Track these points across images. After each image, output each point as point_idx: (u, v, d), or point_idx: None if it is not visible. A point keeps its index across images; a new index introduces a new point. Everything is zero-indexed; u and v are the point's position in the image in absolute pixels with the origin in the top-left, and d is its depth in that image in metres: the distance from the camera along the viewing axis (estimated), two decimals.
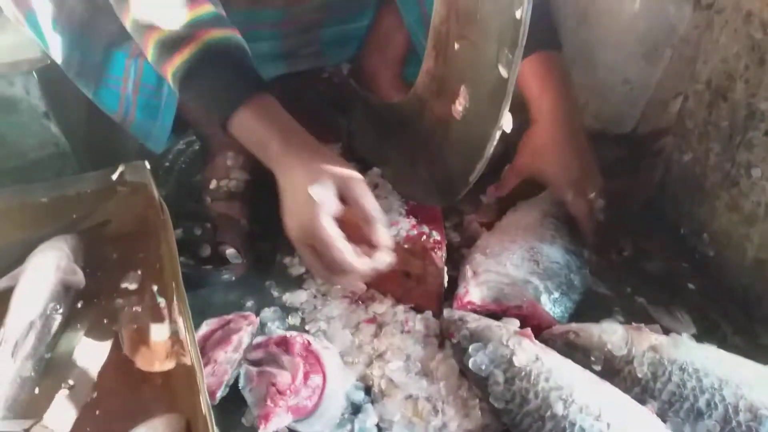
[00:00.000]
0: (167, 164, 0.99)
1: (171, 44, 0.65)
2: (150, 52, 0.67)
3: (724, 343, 0.71)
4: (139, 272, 0.69)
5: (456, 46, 0.52)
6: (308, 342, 0.64)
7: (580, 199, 0.76)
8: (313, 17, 0.93)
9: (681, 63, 0.79)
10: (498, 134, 0.52)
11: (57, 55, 0.74)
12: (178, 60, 0.65)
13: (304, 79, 0.98)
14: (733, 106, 0.68)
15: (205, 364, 0.63)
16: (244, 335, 0.67)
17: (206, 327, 0.68)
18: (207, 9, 0.67)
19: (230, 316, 0.70)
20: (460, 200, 0.71)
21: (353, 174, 0.63)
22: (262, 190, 0.88)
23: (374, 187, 0.77)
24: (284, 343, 0.65)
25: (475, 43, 0.49)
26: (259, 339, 0.67)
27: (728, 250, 0.74)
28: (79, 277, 0.66)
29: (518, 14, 0.42)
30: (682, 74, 0.79)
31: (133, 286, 0.68)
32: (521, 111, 0.71)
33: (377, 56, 0.98)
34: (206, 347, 0.66)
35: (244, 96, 0.65)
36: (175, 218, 0.84)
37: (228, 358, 0.64)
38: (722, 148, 0.71)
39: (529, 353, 0.60)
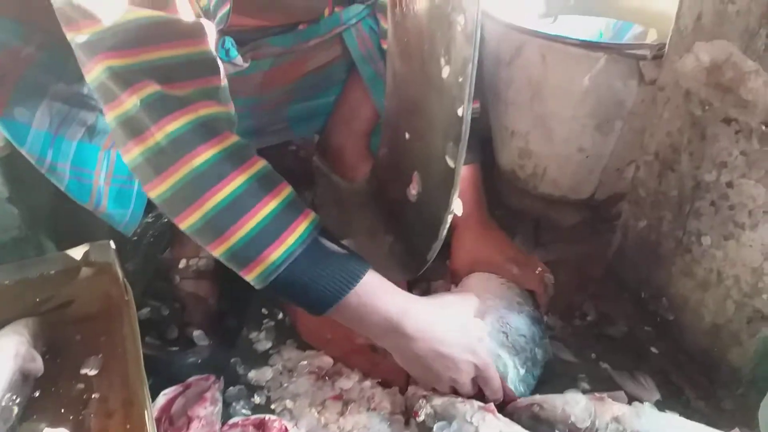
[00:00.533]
0: (135, 238, 0.99)
1: (256, 248, 0.58)
2: (224, 252, 0.59)
3: (687, 408, 0.72)
4: (101, 356, 0.68)
5: (407, 135, 0.54)
6: (286, 429, 0.64)
7: (527, 270, 0.79)
8: (282, 98, 0.96)
9: (632, 134, 0.82)
10: (450, 218, 0.53)
11: (29, 152, 0.75)
12: (274, 256, 0.58)
13: (271, 152, 1.00)
14: (681, 177, 0.71)
15: (189, 423, 0.64)
16: (215, 392, 0.68)
17: (164, 398, 0.67)
18: (287, 192, 0.60)
19: (189, 381, 0.70)
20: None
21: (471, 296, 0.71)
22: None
23: None
24: (262, 426, 0.65)
25: (423, 135, 0.51)
26: (236, 419, 0.67)
27: (686, 314, 0.75)
28: (38, 365, 0.66)
29: (459, 112, 0.45)
30: (633, 144, 0.82)
31: (93, 372, 0.67)
32: None
33: (344, 129, 1.01)
34: (173, 415, 0.66)
35: (352, 283, 0.60)
36: (143, 297, 0.84)
37: (210, 411, 0.66)
38: (674, 216, 0.73)
39: (493, 429, 0.60)
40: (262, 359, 0.77)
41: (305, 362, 0.76)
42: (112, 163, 0.83)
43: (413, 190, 0.56)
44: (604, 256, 0.91)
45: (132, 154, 0.58)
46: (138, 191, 0.85)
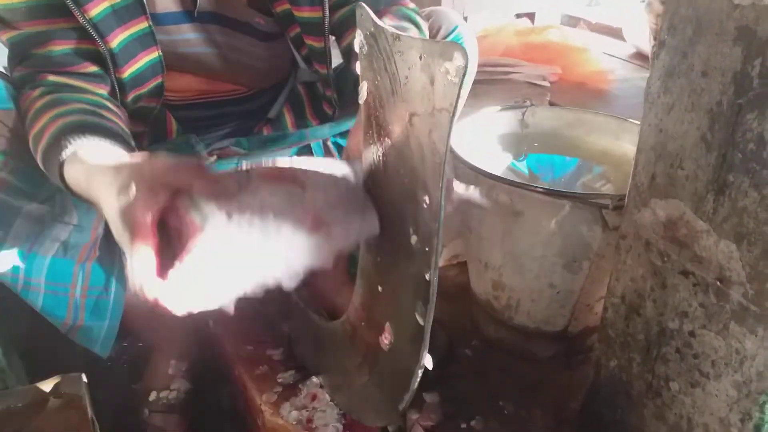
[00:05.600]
0: (109, 363, 0.98)
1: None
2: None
3: None
4: None
5: (380, 288, 0.56)
6: None
7: None
8: None
9: (599, 273, 0.85)
10: (421, 372, 0.54)
11: (2, 272, 0.76)
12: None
13: None
14: (647, 322, 0.73)
15: None
16: None
17: None
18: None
19: None
20: None
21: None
22: (204, 400, 0.88)
23: (312, 398, 0.77)
24: None
25: (394, 291, 0.54)
26: None
27: None
28: None
29: (427, 276, 0.47)
30: (602, 282, 0.85)
31: None
32: None
33: None
34: None
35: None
36: (111, 430, 0.82)
37: None
38: (642, 359, 0.75)
39: None
40: None
41: None
42: (87, 275, 0.84)
43: (386, 340, 0.58)
44: (581, 388, 0.91)
45: None
46: (114, 302, 0.85)
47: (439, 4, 2.55)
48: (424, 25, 0.90)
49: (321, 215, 0.54)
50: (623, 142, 1.02)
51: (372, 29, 0.50)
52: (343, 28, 0.89)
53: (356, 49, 0.54)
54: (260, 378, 0.83)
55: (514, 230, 0.86)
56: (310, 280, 1.03)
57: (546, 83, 1.98)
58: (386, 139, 0.51)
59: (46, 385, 0.76)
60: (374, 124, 0.54)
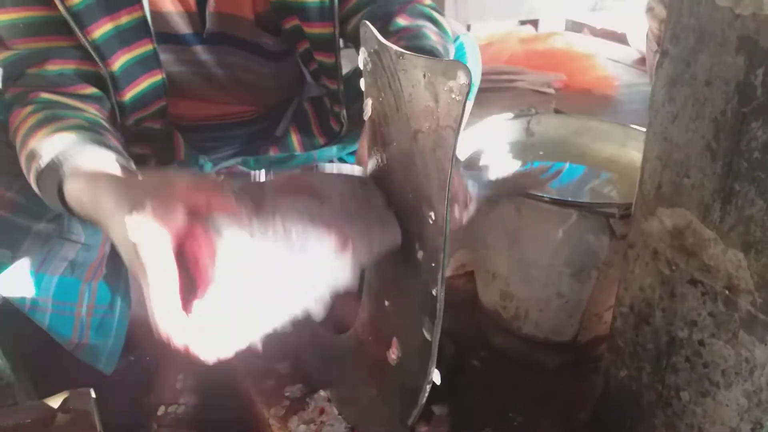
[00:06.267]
0: (117, 378, 0.98)
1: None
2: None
3: None
4: None
5: (386, 303, 0.56)
6: None
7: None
8: None
9: (608, 282, 0.85)
10: (429, 387, 0.54)
11: (11, 292, 0.76)
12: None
13: None
14: (656, 331, 0.72)
15: None
16: None
17: None
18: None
19: None
20: None
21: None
22: (211, 414, 0.87)
23: (320, 412, 0.77)
24: None
25: (402, 306, 0.54)
26: None
27: None
28: None
29: (434, 292, 0.47)
30: (610, 291, 0.84)
31: None
32: None
33: None
34: None
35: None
36: None
37: None
38: (652, 368, 0.74)
39: None
40: None
41: None
42: (93, 294, 0.84)
43: (393, 355, 0.58)
44: (590, 398, 0.90)
45: None
46: (118, 320, 0.86)
47: (442, 11, 2.56)
48: (443, 20, 0.88)
49: (343, 230, 0.51)
50: (629, 149, 1.02)
51: (376, 47, 0.50)
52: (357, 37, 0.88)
53: (360, 66, 0.54)
54: (267, 392, 0.83)
55: (521, 240, 0.85)
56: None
57: (551, 90, 1.98)
58: (391, 155, 0.51)
59: (55, 401, 0.76)
60: (379, 141, 0.54)
